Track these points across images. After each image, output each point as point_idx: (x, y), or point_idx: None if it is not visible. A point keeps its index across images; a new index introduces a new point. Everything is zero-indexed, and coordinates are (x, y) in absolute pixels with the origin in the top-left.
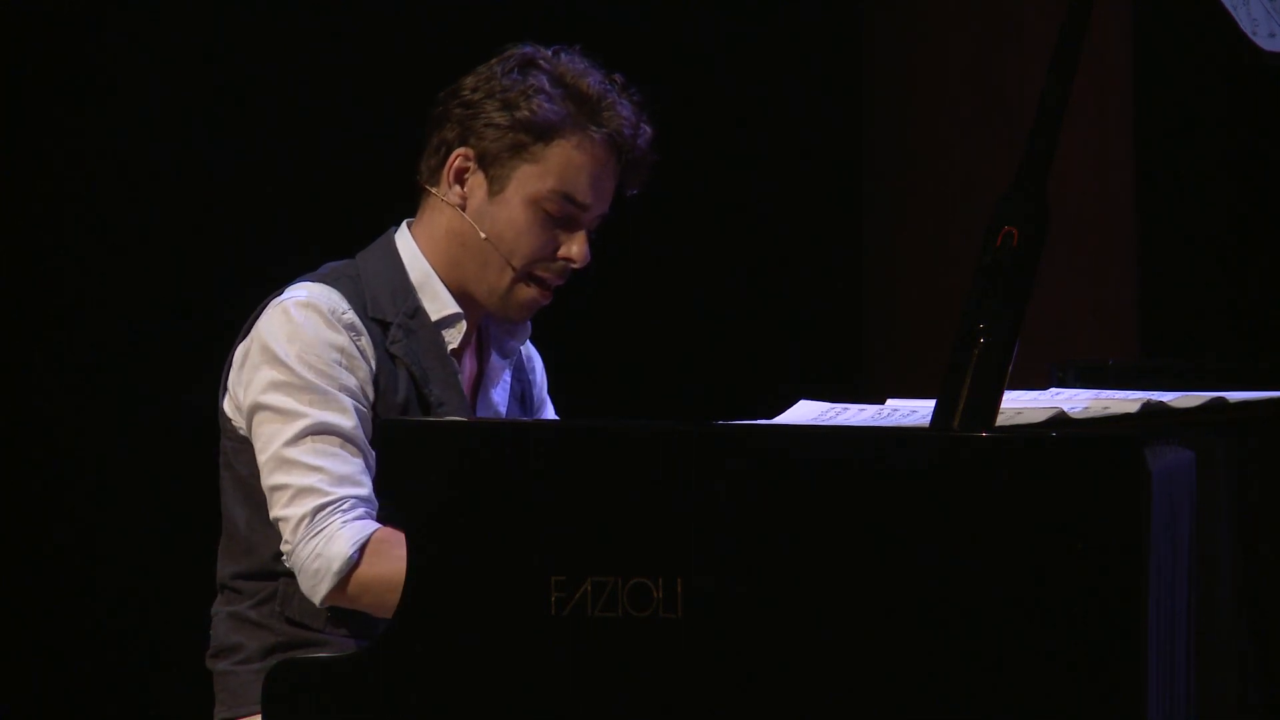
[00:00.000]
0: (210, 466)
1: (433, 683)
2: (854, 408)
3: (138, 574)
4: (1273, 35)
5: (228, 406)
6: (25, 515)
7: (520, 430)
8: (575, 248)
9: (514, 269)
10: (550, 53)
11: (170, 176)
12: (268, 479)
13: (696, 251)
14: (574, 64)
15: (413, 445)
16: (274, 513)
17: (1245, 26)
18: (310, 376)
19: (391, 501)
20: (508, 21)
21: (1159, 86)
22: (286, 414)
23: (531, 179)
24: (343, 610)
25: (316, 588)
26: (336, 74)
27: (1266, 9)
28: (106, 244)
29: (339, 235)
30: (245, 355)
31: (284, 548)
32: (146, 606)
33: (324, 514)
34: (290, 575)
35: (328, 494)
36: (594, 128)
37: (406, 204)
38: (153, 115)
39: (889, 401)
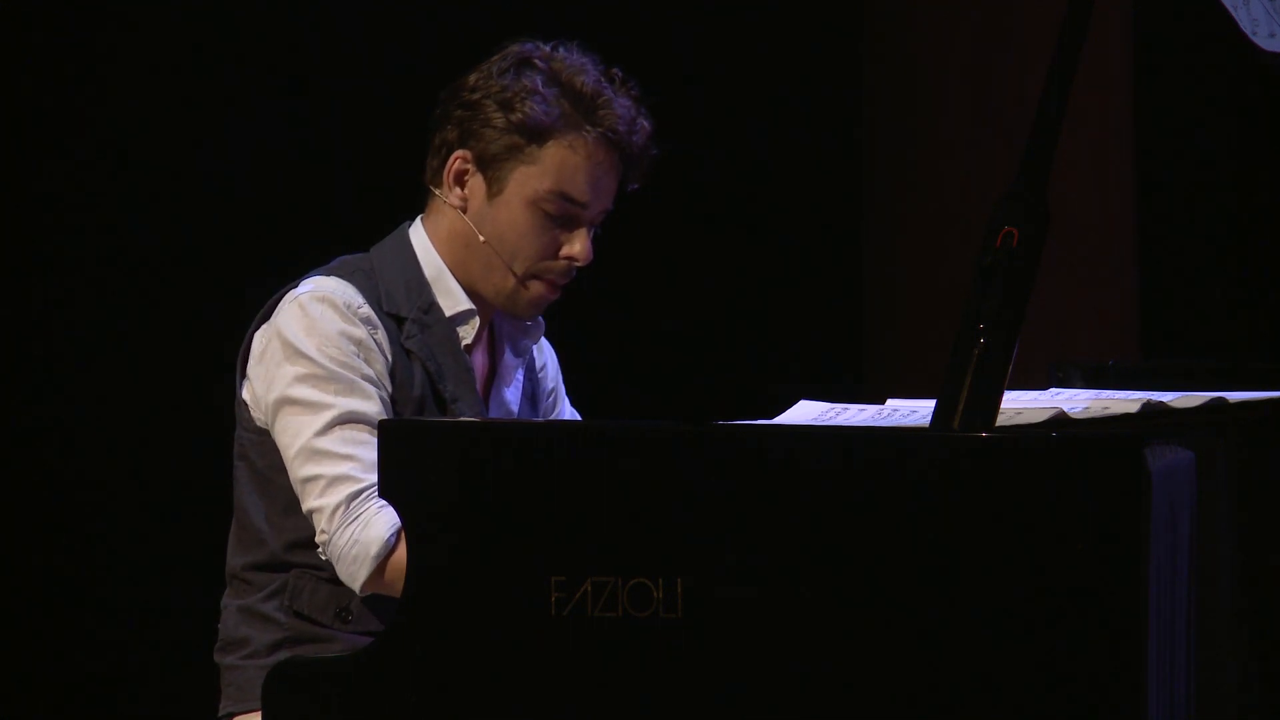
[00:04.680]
0: (220, 457)
1: (433, 683)
2: (854, 408)
3: (143, 566)
4: (1273, 35)
5: (246, 395)
6: (30, 507)
7: (520, 430)
8: (577, 246)
9: (518, 271)
10: (548, 49)
11: (181, 169)
12: (299, 471)
13: (696, 251)
14: (570, 61)
15: (413, 445)
16: (307, 504)
17: (1245, 26)
18: (333, 366)
19: (392, 502)
20: (513, 15)
21: (1159, 86)
22: (313, 405)
23: (529, 180)
24: (350, 607)
25: (356, 574)
26: (347, 69)
27: (1266, 9)
28: (118, 237)
29: (351, 229)
30: (264, 348)
31: (319, 538)
32: (152, 599)
33: (359, 501)
34: (301, 568)
35: (361, 481)
36: (588, 126)
37: (418, 199)
38: (164, 109)
39: (889, 401)
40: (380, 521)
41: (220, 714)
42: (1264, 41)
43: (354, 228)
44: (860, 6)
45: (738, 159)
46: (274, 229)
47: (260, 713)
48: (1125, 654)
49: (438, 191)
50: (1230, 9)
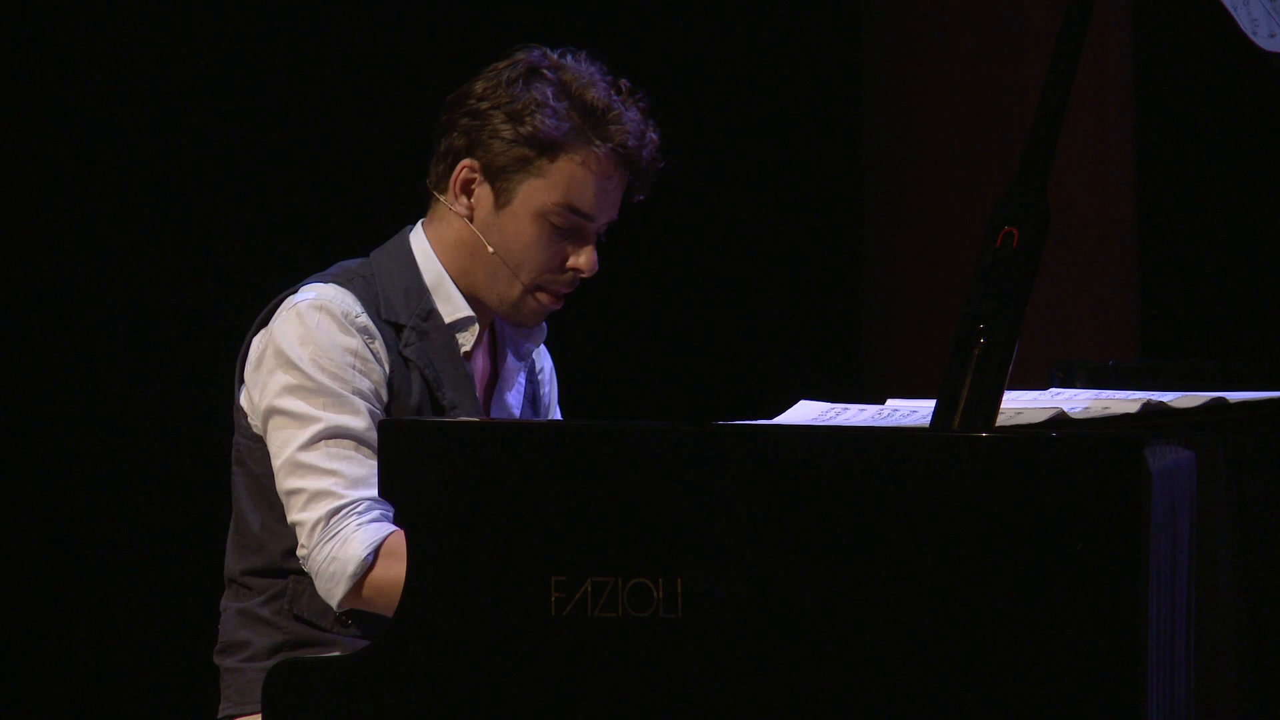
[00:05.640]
0: (218, 460)
1: (433, 683)
2: (854, 408)
3: (143, 567)
4: (1273, 35)
5: (244, 401)
6: (31, 508)
7: (520, 430)
8: (583, 258)
9: (523, 282)
10: (556, 57)
11: (181, 171)
12: (283, 483)
13: (697, 252)
14: (580, 72)
15: (413, 445)
16: (291, 517)
17: (1245, 26)
18: (324, 379)
19: (391, 502)
20: (513, 17)
21: (1159, 86)
22: (301, 418)
23: (537, 193)
24: (352, 610)
25: (332, 591)
26: (352, 69)
27: (1266, 9)
28: (120, 240)
29: (352, 232)
30: (260, 355)
31: (300, 552)
32: (152, 601)
33: (339, 517)
34: (300, 573)
35: (342, 497)
36: (599, 141)
37: (419, 202)
38: (166, 111)
39: (889, 401)
40: (358, 540)
41: (219, 716)
42: (1264, 41)
43: (355, 230)
44: (860, 6)
45: (737, 159)
46: (274, 232)
47: (260, 714)
48: (1125, 654)
49: (442, 198)
50: (1230, 9)
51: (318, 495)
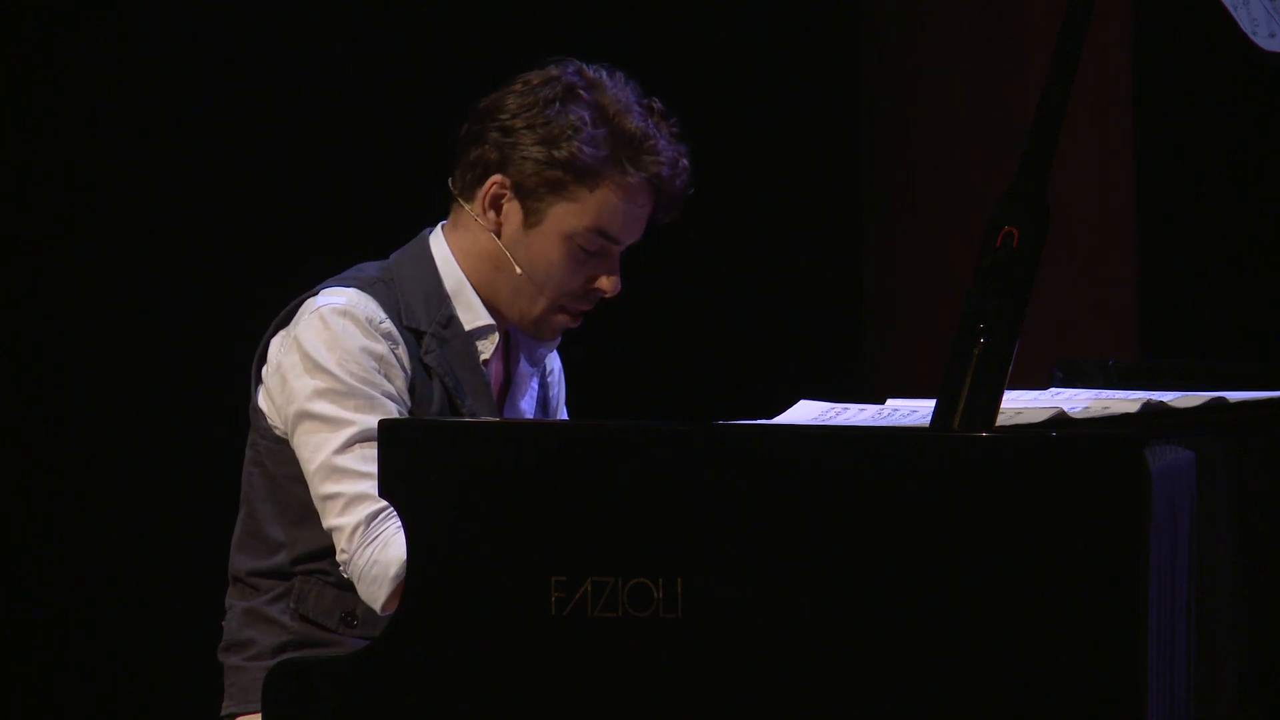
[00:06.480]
0: (225, 458)
1: (433, 683)
2: (854, 408)
3: (147, 564)
4: (1273, 35)
5: (263, 402)
6: (33, 506)
7: (520, 430)
8: (608, 280)
9: (547, 300)
10: (592, 75)
11: (196, 169)
12: (319, 488)
13: (697, 252)
14: (618, 96)
15: (413, 445)
16: (328, 522)
17: (1245, 26)
18: (354, 383)
19: (392, 502)
20: (516, 20)
21: (1159, 86)
22: (333, 422)
23: (569, 216)
24: (356, 611)
25: (376, 594)
26: (362, 71)
27: (1266, 9)
28: (130, 236)
29: (366, 231)
30: (283, 358)
31: (340, 557)
32: (155, 598)
33: (378, 520)
34: (307, 574)
35: (381, 500)
36: (634, 170)
37: (432, 202)
38: (182, 109)
39: (889, 401)
40: (399, 541)
41: (223, 714)
42: (1264, 41)
43: (369, 230)
44: (860, 7)
45: (737, 159)
46: (287, 230)
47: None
48: (1125, 654)
49: (468, 207)
50: (1230, 9)
51: (355, 499)
